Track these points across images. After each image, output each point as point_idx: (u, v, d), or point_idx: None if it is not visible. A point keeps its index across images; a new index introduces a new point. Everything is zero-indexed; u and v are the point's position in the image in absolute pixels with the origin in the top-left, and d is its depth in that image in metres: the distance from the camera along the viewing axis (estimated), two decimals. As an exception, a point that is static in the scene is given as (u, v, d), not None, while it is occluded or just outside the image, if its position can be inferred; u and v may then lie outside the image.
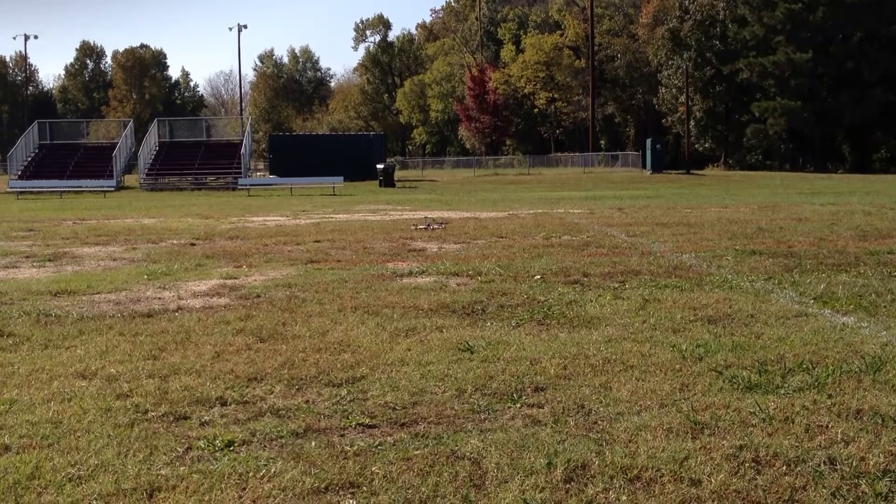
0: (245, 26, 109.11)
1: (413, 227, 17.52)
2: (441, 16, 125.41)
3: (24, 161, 52.64)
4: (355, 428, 4.68)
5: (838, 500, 3.67)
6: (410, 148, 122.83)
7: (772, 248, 12.61)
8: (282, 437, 4.53)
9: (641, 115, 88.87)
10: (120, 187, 48.31)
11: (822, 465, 4.01)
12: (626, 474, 3.94)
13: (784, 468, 3.98)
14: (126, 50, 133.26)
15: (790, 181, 45.45)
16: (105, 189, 44.67)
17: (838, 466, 4.00)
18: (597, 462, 4.07)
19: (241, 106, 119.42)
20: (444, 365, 5.90)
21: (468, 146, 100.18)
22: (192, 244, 14.86)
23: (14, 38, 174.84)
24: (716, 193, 33.11)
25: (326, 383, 5.53)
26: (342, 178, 44.05)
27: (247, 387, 5.46)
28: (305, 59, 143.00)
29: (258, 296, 9.01)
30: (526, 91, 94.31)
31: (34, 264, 12.40)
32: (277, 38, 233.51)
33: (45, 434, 4.59)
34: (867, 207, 21.66)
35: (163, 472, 4.06)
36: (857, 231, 15.01)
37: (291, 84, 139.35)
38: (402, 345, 6.55)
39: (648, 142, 61.70)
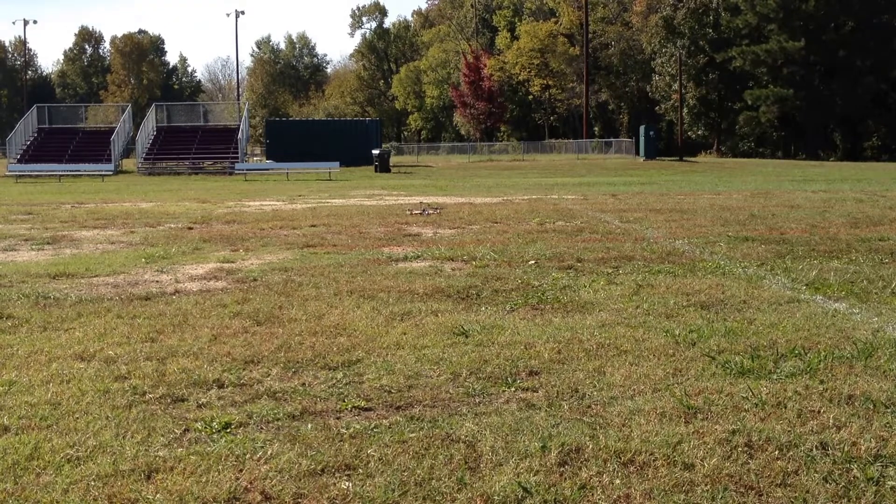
0: (242, 12, 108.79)
1: (408, 212, 17.53)
2: (437, 3, 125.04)
3: (22, 145, 52.51)
4: (351, 411, 4.70)
5: (830, 484, 3.68)
6: (406, 134, 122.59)
7: (764, 234, 12.64)
8: (278, 420, 4.55)
9: (635, 103, 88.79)
10: (118, 171, 48.26)
11: (814, 449, 4.03)
12: (620, 458, 3.96)
13: (776, 453, 4.00)
14: (124, 35, 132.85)
15: (782, 168, 45.46)
16: (103, 173, 44.65)
17: (830, 451, 4.01)
18: (591, 446, 4.09)
19: (238, 91, 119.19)
20: (439, 349, 5.93)
21: (463, 132, 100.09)
22: (190, 228, 14.87)
23: (13, 23, 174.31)
24: (708, 180, 33.12)
25: (322, 366, 5.55)
26: (338, 163, 44.07)
27: (243, 369, 5.48)
28: (302, 45, 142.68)
29: (255, 279, 9.02)
30: (521, 78, 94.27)
31: (33, 247, 12.41)
32: (274, 25, 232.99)
33: (43, 415, 4.60)
34: (858, 195, 21.70)
35: (160, 453, 4.08)
36: (848, 218, 15.06)
37: (288, 70, 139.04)
38: (398, 329, 6.57)
39: (642, 129, 61.70)
